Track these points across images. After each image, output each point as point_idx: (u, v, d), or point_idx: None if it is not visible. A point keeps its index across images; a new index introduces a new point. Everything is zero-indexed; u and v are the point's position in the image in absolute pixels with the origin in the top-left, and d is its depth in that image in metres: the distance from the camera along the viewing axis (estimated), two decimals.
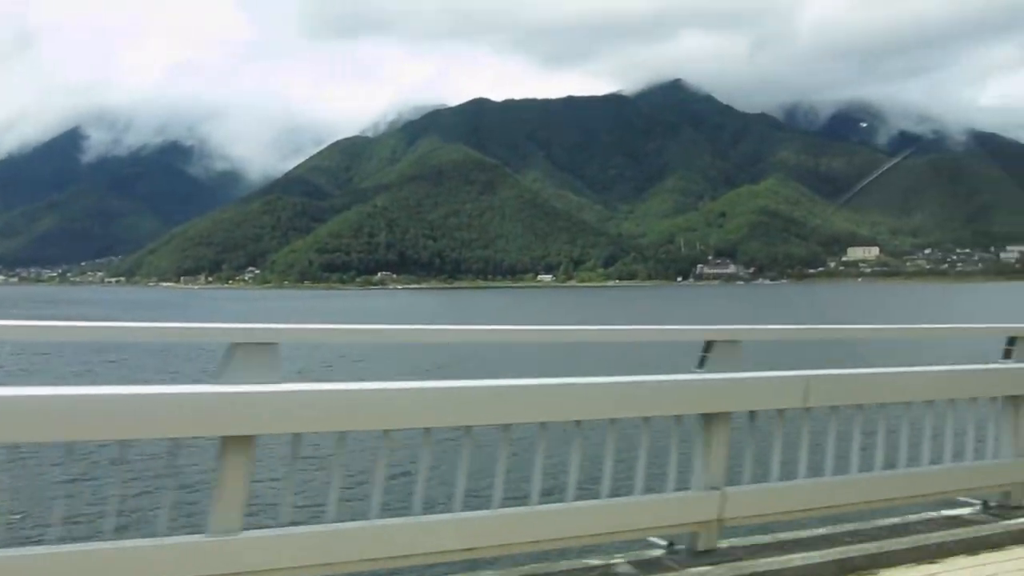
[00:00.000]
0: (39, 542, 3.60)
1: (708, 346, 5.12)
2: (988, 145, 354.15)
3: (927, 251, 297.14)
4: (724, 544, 5.12)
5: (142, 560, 3.61)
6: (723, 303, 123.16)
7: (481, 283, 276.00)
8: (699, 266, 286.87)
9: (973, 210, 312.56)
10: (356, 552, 4.02)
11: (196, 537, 3.77)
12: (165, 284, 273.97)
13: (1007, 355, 6.35)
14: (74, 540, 3.60)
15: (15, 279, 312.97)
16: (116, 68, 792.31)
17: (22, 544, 3.60)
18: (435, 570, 4.69)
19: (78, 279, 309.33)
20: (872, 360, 6.98)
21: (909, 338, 7.42)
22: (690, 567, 4.85)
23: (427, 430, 4.25)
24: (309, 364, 30.70)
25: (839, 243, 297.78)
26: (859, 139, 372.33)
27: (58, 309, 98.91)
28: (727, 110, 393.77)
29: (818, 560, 5.07)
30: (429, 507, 4.28)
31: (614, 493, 4.78)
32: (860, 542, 5.39)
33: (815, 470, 5.48)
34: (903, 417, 5.91)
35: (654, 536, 5.02)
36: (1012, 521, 5.98)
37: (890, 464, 5.82)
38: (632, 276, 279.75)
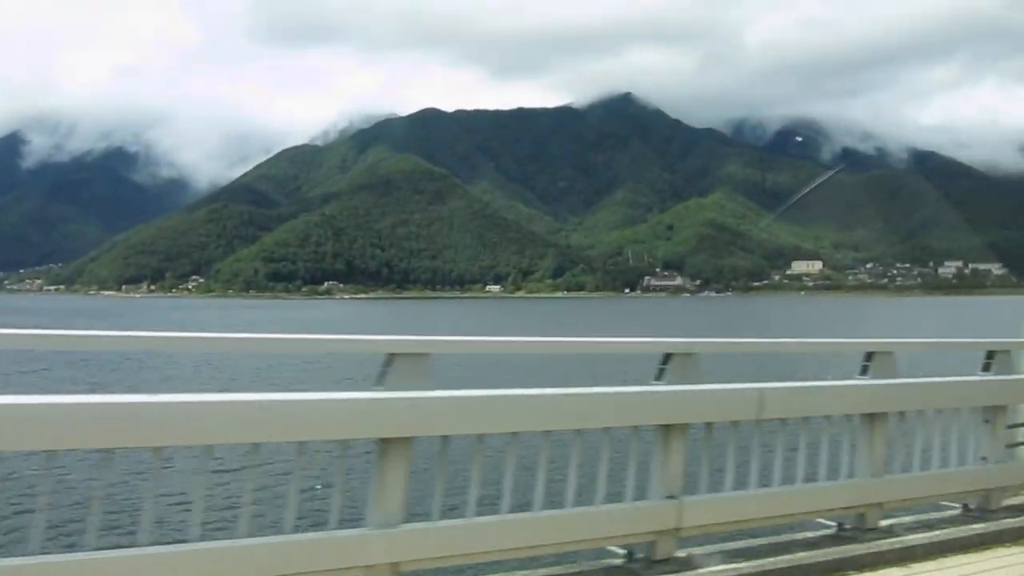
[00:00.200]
0: (228, 535, 3.95)
1: (666, 358, 5.21)
2: (927, 163, 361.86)
3: (868, 265, 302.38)
4: (682, 553, 5.17)
5: (315, 551, 4.00)
6: (670, 316, 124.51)
7: (429, 293, 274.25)
8: (646, 278, 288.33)
9: (913, 226, 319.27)
10: (490, 544, 4.48)
11: (359, 530, 4.18)
12: (106, 293, 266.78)
13: (863, 371, 6.30)
14: (262, 533, 3.97)
15: None
16: (59, 71, 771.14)
17: (206, 540, 3.88)
18: None
19: (15, 287, 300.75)
20: (820, 374, 6.97)
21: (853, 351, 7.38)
22: None
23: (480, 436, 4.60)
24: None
25: (783, 256, 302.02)
26: (804, 155, 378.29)
27: None
28: (676, 124, 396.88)
29: (772, 567, 5.17)
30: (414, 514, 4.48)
31: (577, 503, 4.85)
32: (813, 548, 5.56)
33: (765, 481, 5.61)
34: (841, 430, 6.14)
35: (614, 545, 5.08)
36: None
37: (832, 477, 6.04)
38: (580, 287, 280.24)
